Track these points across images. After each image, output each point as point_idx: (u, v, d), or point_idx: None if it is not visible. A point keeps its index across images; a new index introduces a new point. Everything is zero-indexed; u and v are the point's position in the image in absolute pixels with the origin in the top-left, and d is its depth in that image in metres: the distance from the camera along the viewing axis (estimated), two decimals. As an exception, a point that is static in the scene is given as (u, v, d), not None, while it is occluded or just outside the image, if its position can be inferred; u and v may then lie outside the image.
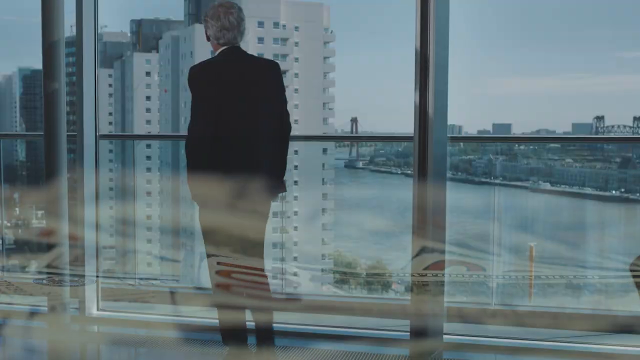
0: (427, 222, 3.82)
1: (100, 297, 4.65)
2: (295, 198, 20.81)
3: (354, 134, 21.09)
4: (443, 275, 3.96)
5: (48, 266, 4.55)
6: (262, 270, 3.69)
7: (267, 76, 3.59)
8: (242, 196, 3.38)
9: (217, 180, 3.38)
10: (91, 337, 4.49)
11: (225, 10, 3.53)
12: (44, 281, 4.56)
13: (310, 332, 4.23)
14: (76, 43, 4.46)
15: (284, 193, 3.75)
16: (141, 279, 5.20)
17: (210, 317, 4.51)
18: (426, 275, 3.87)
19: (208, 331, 4.22)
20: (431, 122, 3.78)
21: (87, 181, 4.48)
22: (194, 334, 4.30)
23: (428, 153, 3.80)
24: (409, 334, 3.95)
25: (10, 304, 4.82)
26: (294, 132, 3.74)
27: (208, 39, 3.60)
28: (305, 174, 20.13)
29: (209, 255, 3.60)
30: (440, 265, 3.92)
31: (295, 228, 21.50)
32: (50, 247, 4.59)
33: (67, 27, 4.56)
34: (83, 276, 4.51)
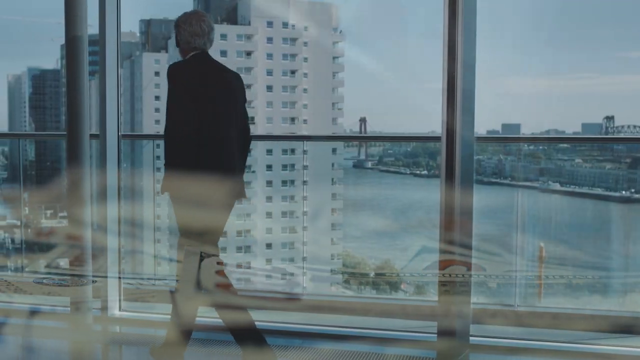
0: (455, 222, 3.80)
1: (122, 298, 4.64)
2: (305, 198, 20.81)
3: (362, 134, 21.04)
4: (470, 276, 3.93)
5: (69, 266, 4.54)
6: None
7: (236, 84, 3.83)
8: (212, 193, 3.56)
9: (190, 175, 3.53)
10: (113, 337, 4.48)
11: (197, 17, 3.78)
12: (66, 282, 4.55)
13: (335, 333, 4.21)
14: (99, 42, 4.45)
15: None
16: (158, 279, 5.19)
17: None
18: (453, 276, 3.84)
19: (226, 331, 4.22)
20: (459, 122, 3.75)
21: (109, 181, 4.47)
22: (213, 334, 4.29)
23: (456, 153, 3.77)
24: (435, 335, 3.93)
25: (32, 304, 4.82)
26: (318, 132, 3.78)
27: (178, 44, 3.81)
28: (314, 174, 20.12)
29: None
30: (467, 266, 3.89)
31: (305, 228, 21.49)
32: (69, 247, 4.57)
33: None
34: (105, 277, 4.50)
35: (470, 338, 3.97)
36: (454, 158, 3.78)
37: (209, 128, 3.62)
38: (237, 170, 3.78)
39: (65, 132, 4.44)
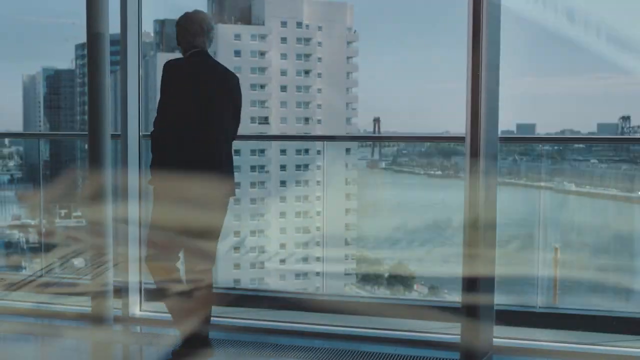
0: (479, 222, 3.77)
1: (143, 298, 4.64)
2: (318, 198, 20.75)
3: (376, 134, 20.98)
4: (494, 277, 3.91)
5: (89, 266, 4.54)
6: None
7: (232, 83, 3.88)
8: (198, 192, 3.61)
9: (177, 172, 3.59)
10: (134, 337, 4.47)
11: (197, 17, 3.86)
12: (88, 281, 4.55)
13: (356, 334, 4.19)
14: (121, 42, 4.44)
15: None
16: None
17: (246, 317, 4.51)
18: (476, 276, 3.81)
19: (247, 332, 4.22)
20: (483, 122, 3.72)
21: (131, 181, 4.46)
22: (234, 335, 4.30)
23: (480, 153, 3.74)
24: (459, 336, 3.90)
25: (53, 303, 4.83)
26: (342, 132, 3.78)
27: (179, 43, 3.89)
28: (328, 174, 20.06)
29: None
30: (491, 267, 3.87)
31: (318, 228, 21.44)
32: (89, 247, 4.57)
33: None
34: (126, 276, 4.50)
35: (494, 339, 3.95)
36: (478, 158, 3.75)
37: (198, 125, 3.67)
38: (225, 168, 3.81)
39: (83, 132, 4.44)
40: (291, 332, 4.38)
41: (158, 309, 4.64)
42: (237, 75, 3.99)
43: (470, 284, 3.80)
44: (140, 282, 4.59)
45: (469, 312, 3.83)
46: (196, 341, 3.77)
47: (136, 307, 4.60)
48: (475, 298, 3.82)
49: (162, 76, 3.74)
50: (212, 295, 3.86)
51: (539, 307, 4.67)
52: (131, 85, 4.45)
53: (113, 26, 4.46)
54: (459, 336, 3.91)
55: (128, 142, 4.46)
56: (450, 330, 4.15)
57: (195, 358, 3.74)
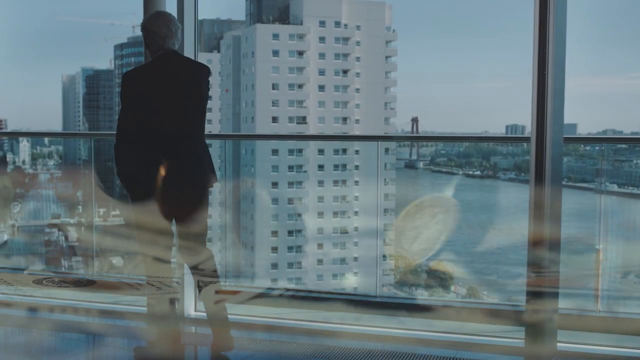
0: (544, 225, 3.69)
1: (198, 298, 4.62)
2: (356, 198, 20.76)
3: (414, 134, 20.87)
4: (558, 280, 3.82)
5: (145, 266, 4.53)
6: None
7: (199, 73, 3.81)
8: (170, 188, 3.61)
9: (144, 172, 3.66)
10: (188, 338, 4.46)
11: (164, 19, 3.79)
12: (144, 281, 4.54)
13: (415, 337, 4.12)
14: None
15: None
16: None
17: (287, 317, 4.48)
18: (541, 280, 3.73)
19: (290, 333, 4.20)
20: (550, 122, 3.64)
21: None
22: (282, 335, 4.27)
23: (546, 154, 3.66)
24: (523, 340, 3.82)
25: (108, 303, 4.84)
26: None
27: (147, 46, 3.84)
28: (365, 174, 20.05)
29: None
30: (555, 271, 3.78)
31: (356, 229, 21.45)
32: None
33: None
34: (181, 277, 4.49)
35: (558, 344, 3.86)
36: (544, 159, 3.67)
37: (162, 123, 3.69)
38: (195, 161, 3.79)
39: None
40: (345, 335, 4.33)
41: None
42: (209, 66, 3.94)
43: (535, 288, 3.72)
44: (196, 283, 4.57)
45: (533, 316, 3.74)
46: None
47: (191, 307, 4.58)
48: (540, 302, 3.74)
49: (122, 87, 3.76)
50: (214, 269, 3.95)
51: (600, 312, 4.57)
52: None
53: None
54: (523, 340, 3.82)
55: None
56: (510, 334, 4.07)
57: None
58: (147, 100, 3.71)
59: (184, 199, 3.71)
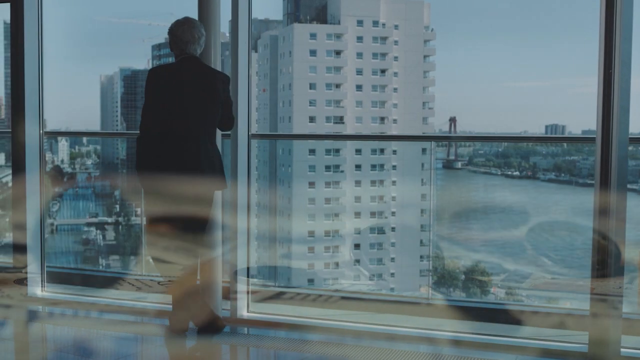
0: (609, 228, 3.60)
1: (250, 300, 4.60)
2: (394, 199, 20.63)
3: (452, 134, 20.71)
4: (622, 286, 3.73)
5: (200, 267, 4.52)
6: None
7: (219, 81, 4.02)
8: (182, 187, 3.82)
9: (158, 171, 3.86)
10: (239, 339, 4.44)
11: (189, 25, 4.03)
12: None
13: (482, 341, 4.06)
14: (231, 43, 4.42)
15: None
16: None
17: (338, 318, 4.45)
18: (606, 286, 3.65)
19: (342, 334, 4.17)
20: (616, 122, 3.56)
21: (240, 185, 4.43)
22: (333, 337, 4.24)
23: (612, 155, 3.58)
24: (587, 345, 3.74)
25: (157, 303, 4.84)
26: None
27: (171, 49, 4.06)
28: (403, 174, 19.91)
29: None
30: (619, 276, 3.70)
31: (393, 229, 21.32)
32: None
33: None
34: (235, 278, 4.47)
35: (622, 349, 3.77)
36: (610, 160, 3.59)
37: (179, 123, 3.88)
38: (206, 165, 3.94)
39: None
40: (394, 337, 4.27)
41: (265, 310, 4.62)
42: (228, 75, 4.15)
43: (599, 291, 3.64)
44: (248, 284, 4.56)
45: (597, 320, 3.66)
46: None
47: (244, 308, 4.57)
48: (604, 306, 3.65)
49: (146, 82, 3.95)
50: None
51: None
52: (241, 85, 4.43)
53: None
54: (586, 345, 3.75)
55: (238, 143, 4.43)
56: (571, 338, 3.99)
57: None
58: (164, 98, 3.91)
59: (181, 196, 3.82)
